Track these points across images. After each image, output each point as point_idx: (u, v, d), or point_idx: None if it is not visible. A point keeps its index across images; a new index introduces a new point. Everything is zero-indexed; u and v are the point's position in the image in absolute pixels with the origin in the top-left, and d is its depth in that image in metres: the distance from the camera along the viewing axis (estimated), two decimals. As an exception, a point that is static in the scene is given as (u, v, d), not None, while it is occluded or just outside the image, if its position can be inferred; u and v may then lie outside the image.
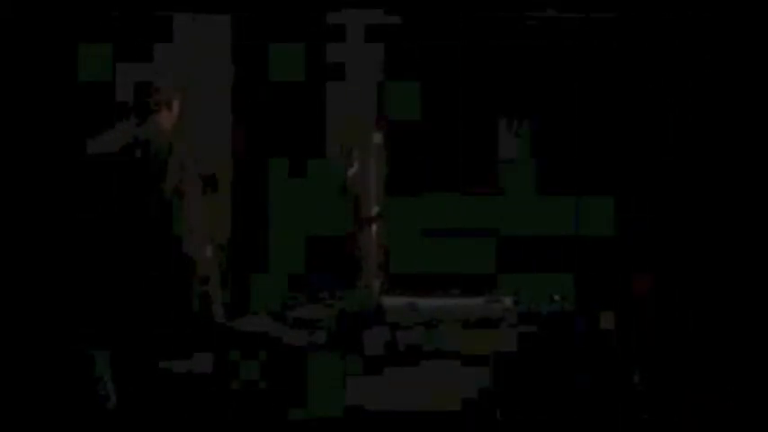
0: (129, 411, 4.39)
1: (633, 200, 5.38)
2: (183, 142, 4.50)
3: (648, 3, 5.36)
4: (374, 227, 5.48)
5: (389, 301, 5.22)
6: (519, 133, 5.48)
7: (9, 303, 5.11)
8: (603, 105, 5.42)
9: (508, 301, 5.17)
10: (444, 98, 5.49)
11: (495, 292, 5.26)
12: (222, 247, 5.05)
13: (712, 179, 5.30)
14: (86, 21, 5.30)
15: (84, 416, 4.62)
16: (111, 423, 4.44)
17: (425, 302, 5.16)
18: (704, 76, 5.34)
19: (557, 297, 5.10)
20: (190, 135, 4.74)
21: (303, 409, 4.65)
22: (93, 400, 4.50)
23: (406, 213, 5.47)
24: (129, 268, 4.35)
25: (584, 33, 5.39)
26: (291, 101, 5.49)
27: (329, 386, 4.69)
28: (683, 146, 5.35)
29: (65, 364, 4.90)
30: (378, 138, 5.52)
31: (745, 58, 5.31)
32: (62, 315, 4.97)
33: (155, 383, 4.37)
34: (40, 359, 4.97)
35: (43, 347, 5.00)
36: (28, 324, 5.07)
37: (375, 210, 5.49)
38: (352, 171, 5.50)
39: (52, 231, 5.13)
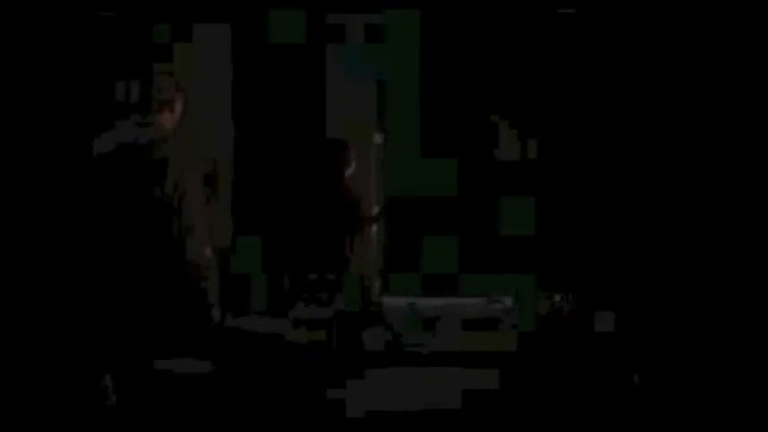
0: (129, 411, 4.39)
1: (632, 200, 5.39)
2: (184, 143, 4.50)
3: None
4: (374, 227, 5.48)
5: (389, 301, 5.22)
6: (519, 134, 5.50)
7: (10, 302, 5.11)
8: (600, 105, 5.43)
9: (508, 301, 5.18)
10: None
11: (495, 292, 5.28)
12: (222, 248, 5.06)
13: (713, 178, 5.31)
14: (87, 22, 5.31)
15: (85, 415, 4.62)
16: (111, 423, 4.44)
17: (425, 302, 5.17)
18: (701, 76, 5.36)
19: (557, 297, 5.11)
20: (191, 135, 4.75)
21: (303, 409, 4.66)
22: (93, 400, 4.50)
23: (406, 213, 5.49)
24: (128, 268, 4.35)
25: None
26: (291, 100, 5.50)
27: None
28: (681, 145, 5.36)
29: (65, 363, 4.89)
30: (378, 138, 5.52)
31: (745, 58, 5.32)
32: (62, 315, 4.97)
33: (155, 383, 4.37)
34: (41, 359, 4.97)
35: (43, 347, 5.00)
36: (28, 324, 5.07)
37: (375, 210, 5.50)
38: (350, 171, 5.51)
39: (53, 231, 5.13)
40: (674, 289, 5.22)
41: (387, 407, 4.68)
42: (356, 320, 4.99)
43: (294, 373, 4.74)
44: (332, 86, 5.53)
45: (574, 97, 5.45)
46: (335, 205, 5.51)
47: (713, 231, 5.28)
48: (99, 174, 4.43)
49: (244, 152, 5.49)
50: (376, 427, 4.65)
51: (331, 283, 5.37)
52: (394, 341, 4.90)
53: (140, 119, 4.51)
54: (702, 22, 5.32)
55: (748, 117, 5.31)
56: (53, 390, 4.84)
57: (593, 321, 5.00)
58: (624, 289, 5.20)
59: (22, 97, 5.30)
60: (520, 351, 4.86)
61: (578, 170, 5.44)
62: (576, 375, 4.78)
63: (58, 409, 4.77)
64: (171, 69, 4.75)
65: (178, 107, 4.60)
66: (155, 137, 4.46)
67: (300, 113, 5.52)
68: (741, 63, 5.31)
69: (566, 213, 5.43)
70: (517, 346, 4.89)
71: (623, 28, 5.40)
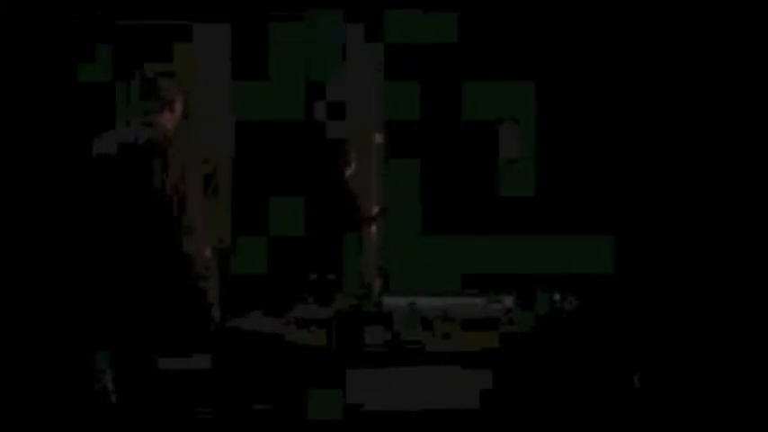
0: (129, 411, 4.39)
1: (632, 200, 5.38)
2: (184, 143, 4.50)
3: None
4: (374, 227, 5.48)
5: (389, 301, 5.22)
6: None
7: (10, 302, 5.11)
8: (599, 105, 5.43)
9: (508, 300, 5.17)
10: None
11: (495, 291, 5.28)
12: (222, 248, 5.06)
13: (713, 178, 5.31)
14: (87, 22, 5.31)
15: (85, 416, 4.62)
16: (111, 423, 4.44)
17: (425, 302, 5.16)
18: (701, 77, 5.35)
19: (557, 297, 5.10)
20: (191, 135, 4.74)
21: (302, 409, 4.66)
22: (93, 399, 4.50)
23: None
24: (128, 268, 4.35)
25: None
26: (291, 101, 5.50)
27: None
28: (681, 145, 5.36)
29: (65, 363, 4.89)
30: (378, 138, 5.52)
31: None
32: (62, 314, 4.97)
33: (154, 383, 4.37)
34: (41, 358, 4.97)
35: (43, 347, 5.00)
36: (28, 323, 5.07)
37: (375, 210, 5.50)
38: (350, 171, 5.51)
39: (52, 231, 5.13)
40: (674, 289, 5.21)
41: (387, 407, 4.68)
42: (356, 320, 4.98)
43: (294, 373, 4.74)
44: (332, 86, 5.53)
45: (573, 97, 5.45)
46: (335, 205, 5.50)
47: (713, 231, 5.27)
48: (99, 174, 4.43)
49: (244, 152, 5.50)
50: (376, 427, 4.65)
51: (331, 283, 5.37)
52: (393, 341, 4.90)
53: (141, 119, 4.50)
54: (703, 22, 5.32)
55: (748, 117, 5.30)
56: (53, 389, 4.84)
57: (593, 321, 4.99)
58: (624, 288, 5.20)
59: (22, 97, 5.30)
60: (520, 351, 4.86)
61: (578, 170, 5.44)
62: (575, 375, 4.78)
63: (57, 408, 4.77)
64: (171, 69, 4.75)
65: (178, 107, 4.59)
66: (155, 137, 4.45)
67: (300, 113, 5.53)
68: (742, 63, 5.31)
69: (566, 212, 5.43)
70: (517, 346, 4.89)
71: (623, 28, 5.39)
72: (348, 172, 5.51)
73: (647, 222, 5.35)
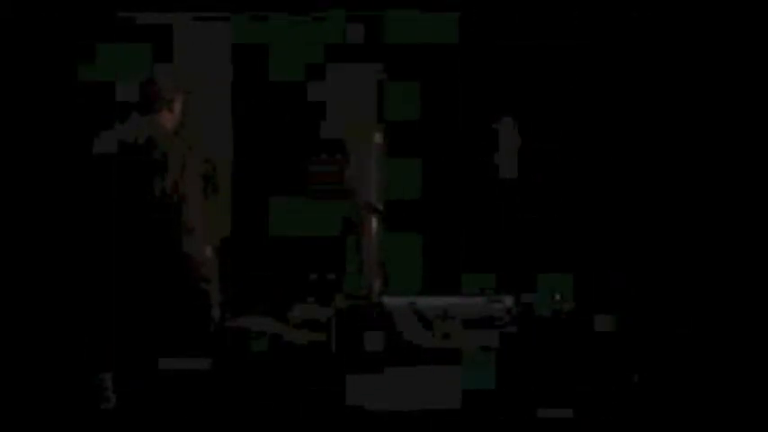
0: (129, 411, 4.39)
1: (633, 200, 5.39)
2: (183, 142, 4.50)
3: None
4: (374, 226, 5.48)
5: (389, 301, 5.22)
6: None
7: (10, 302, 5.12)
8: (600, 105, 5.43)
9: (509, 300, 5.17)
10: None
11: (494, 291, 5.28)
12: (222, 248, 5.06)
13: (712, 178, 5.31)
14: (87, 21, 5.31)
15: (85, 416, 4.62)
16: (111, 423, 4.44)
17: (425, 302, 5.16)
18: (701, 77, 5.36)
19: (557, 297, 5.10)
20: (191, 135, 4.75)
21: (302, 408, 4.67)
22: (93, 400, 4.50)
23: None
24: (128, 268, 4.35)
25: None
26: (291, 101, 5.51)
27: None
28: (680, 145, 5.36)
29: (64, 364, 4.90)
30: (378, 138, 5.52)
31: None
32: (61, 315, 4.98)
33: (154, 383, 4.37)
34: (40, 358, 4.97)
35: (42, 346, 5.00)
36: (28, 324, 5.07)
37: (375, 209, 5.50)
38: (349, 171, 5.51)
39: (53, 231, 5.13)
40: (674, 289, 5.22)
41: (386, 407, 4.68)
42: (356, 320, 4.99)
43: (294, 373, 4.74)
44: (332, 86, 5.53)
45: (574, 97, 5.45)
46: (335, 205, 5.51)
47: (713, 231, 5.28)
48: (99, 173, 4.43)
49: (244, 152, 5.50)
50: (376, 427, 4.65)
51: (331, 283, 5.37)
52: (393, 340, 4.90)
53: (140, 119, 4.51)
54: (702, 22, 5.32)
55: (748, 117, 5.31)
56: (52, 389, 4.84)
57: (594, 321, 4.99)
58: (624, 289, 5.20)
59: (23, 97, 5.31)
60: (520, 351, 4.86)
61: (578, 170, 5.44)
62: (576, 375, 4.78)
63: (57, 408, 4.77)
64: (171, 69, 4.75)
65: (178, 107, 4.60)
66: (154, 136, 4.45)
67: (300, 113, 5.53)
68: (741, 63, 5.31)
69: (566, 213, 5.43)
70: (517, 346, 4.89)
71: (623, 28, 5.40)
72: (348, 172, 5.51)
73: (647, 223, 5.36)
